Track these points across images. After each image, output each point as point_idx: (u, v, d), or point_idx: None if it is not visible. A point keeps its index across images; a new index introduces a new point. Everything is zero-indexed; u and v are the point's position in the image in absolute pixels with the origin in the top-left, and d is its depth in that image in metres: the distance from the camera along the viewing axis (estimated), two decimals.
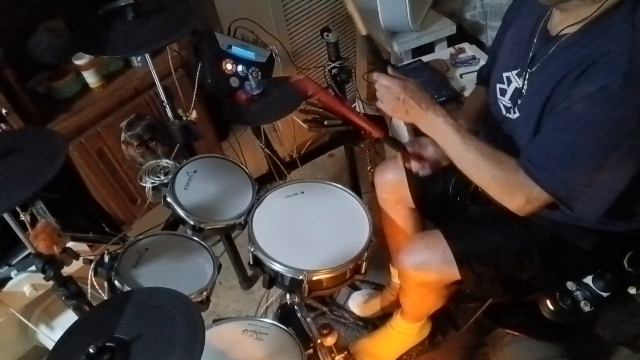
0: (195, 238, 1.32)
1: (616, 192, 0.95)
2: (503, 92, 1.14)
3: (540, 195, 0.98)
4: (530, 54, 1.06)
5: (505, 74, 1.13)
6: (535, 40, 1.06)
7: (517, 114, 1.10)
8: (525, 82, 1.07)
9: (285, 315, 1.40)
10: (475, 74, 1.82)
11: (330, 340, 1.30)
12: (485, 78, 1.31)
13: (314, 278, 1.18)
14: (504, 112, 1.15)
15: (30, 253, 1.09)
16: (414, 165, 1.22)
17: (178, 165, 1.43)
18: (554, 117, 0.97)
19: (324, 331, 1.30)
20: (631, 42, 0.87)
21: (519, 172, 0.99)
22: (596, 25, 0.93)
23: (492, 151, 1.03)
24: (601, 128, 0.90)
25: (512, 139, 1.13)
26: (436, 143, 1.23)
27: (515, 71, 1.10)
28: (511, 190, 1.00)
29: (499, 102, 1.16)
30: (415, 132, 1.80)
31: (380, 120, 1.89)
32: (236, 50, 1.59)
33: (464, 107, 1.41)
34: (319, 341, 1.28)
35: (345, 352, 1.37)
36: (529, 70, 1.06)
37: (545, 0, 0.97)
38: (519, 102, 1.09)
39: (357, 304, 1.77)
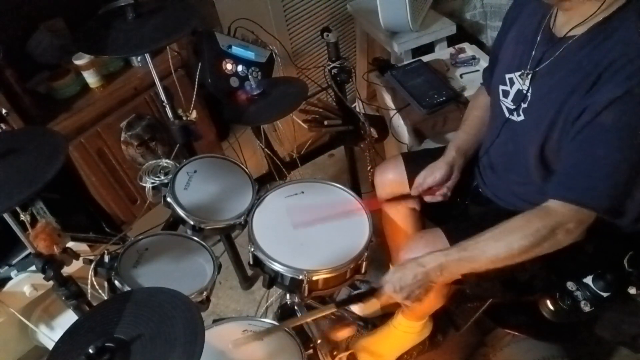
0: (195, 238, 1.32)
1: None
2: (506, 93, 1.13)
3: (584, 216, 0.96)
4: (533, 55, 1.05)
5: (507, 76, 1.12)
6: (538, 41, 1.05)
7: (522, 117, 1.09)
8: (529, 84, 1.06)
9: (285, 315, 1.40)
10: (475, 74, 1.83)
11: (346, 333, 1.28)
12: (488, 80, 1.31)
13: (314, 278, 1.18)
14: (507, 114, 1.14)
15: (30, 253, 1.09)
16: (433, 198, 1.30)
17: (178, 165, 1.43)
18: (581, 134, 0.93)
19: (338, 325, 1.28)
20: None
21: (550, 209, 0.97)
22: (604, 27, 0.92)
23: (501, 229, 1.01)
24: (634, 134, 0.88)
25: (516, 141, 1.12)
26: (441, 166, 1.28)
27: (518, 73, 1.09)
28: (551, 230, 0.97)
29: (502, 104, 1.15)
30: (416, 133, 1.80)
31: (381, 121, 1.89)
32: (236, 50, 1.60)
33: (464, 117, 1.39)
34: (319, 341, 1.28)
35: (347, 351, 1.37)
36: (532, 71, 1.05)
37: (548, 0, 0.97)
38: (524, 105, 1.08)
39: (357, 303, 1.77)
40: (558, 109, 0.97)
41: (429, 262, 1.07)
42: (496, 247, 1.00)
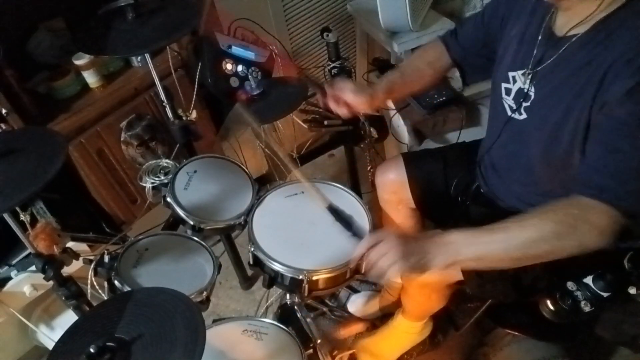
0: (195, 238, 1.32)
1: None
2: (508, 91, 1.13)
3: (617, 218, 0.88)
4: (534, 54, 1.05)
5: (510, 74, 1.12)
6: (539, 41, 1.04)
7: (525, 116, 1.08)
8: (531, 83, 1.05)
9: (285, 315, 1.40)
10: None
11: (353, 330, 1.23)
12: (460, 44, 1.27)
13: (314, 278, 1.18)
14: (509, 112, 1.13)
15: (30, 253, 1.09)
16: (332, 105, 1.26)
17: (178, 165, 1.43)
18: (598, 132, 0.91)
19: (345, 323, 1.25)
20: None
21: (580, 201, 0.89)
22: (606, 24, 0.92)
23: (531, 214, 0.91)
24: None
25: (518, 141, 1.12)
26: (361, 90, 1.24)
27: (521, 71, 1.08)
28: (574, 219, 0.88)
29: (504, 102, 1.15)
30: (416, 133, 1.81)
31: (380, 120, 1.89)
32: (236, 50, 1.60)
33: (406, 61, 1.36)
34: (319, 341, 1.28)
35: (348, 351, 1.37)
36: (533, 71, 1.05)
37: None
38: (525, 104, 1.07)
39: (356, 306, 1.77)
40: (565, 111, 0.96)
41: (443, 235, 0.94)
42: (524, 240, 0.89)
